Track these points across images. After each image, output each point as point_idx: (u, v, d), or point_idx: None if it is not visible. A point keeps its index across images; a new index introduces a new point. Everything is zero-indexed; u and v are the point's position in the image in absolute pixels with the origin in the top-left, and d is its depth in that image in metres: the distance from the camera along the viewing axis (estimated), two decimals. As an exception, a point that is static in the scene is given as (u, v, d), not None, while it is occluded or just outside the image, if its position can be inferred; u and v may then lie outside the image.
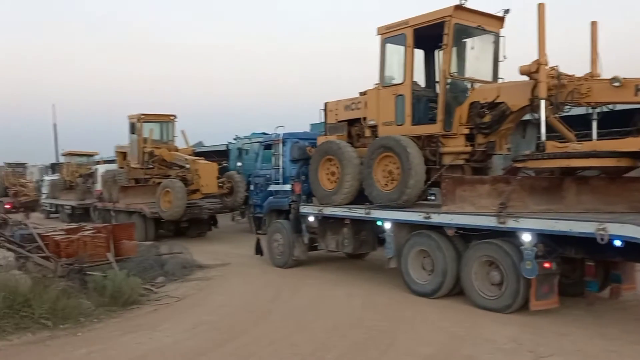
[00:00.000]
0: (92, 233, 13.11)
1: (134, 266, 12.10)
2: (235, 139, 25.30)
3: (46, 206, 38.00)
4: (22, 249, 12.08)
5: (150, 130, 22.60)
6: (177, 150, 22.43)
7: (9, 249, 11.85)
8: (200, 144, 41.60)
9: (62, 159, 38.46)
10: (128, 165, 23.47)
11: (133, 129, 22.98)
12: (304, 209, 13.06)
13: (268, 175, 16.01)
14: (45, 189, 39.30)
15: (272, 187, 15.42)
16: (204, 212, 20.48)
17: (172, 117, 23.34)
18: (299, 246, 13.64)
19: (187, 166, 20.24)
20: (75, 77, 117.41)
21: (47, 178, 40.68)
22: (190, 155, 21.61)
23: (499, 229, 8.81)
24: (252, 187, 17.04)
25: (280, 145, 15.12)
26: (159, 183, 20.27)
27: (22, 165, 50.02)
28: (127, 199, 21.60)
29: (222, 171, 21.85)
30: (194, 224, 21.23)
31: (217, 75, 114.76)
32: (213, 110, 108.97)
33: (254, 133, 24.33)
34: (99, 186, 26.72)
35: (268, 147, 16.23)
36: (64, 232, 13.29)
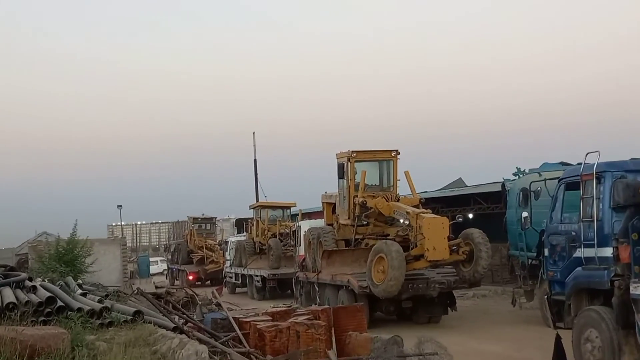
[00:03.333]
0: (307, 319, 12.18)
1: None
2: (516, 174, 21.92)
3: (230, 276, 36.50)
4: (216, 340, 11.38)
5: (363, 173, 20.92)
6: (398, 199, 20.70)
7: (200, 341, 10.91)
8: (459, 182, 37.99)
9: (250, 213, 37.12)
10: (337, 221, 22.04)
11: (342, 171, 21.22)
12: (637, 290, 10.81)
13: (573, 233, 12.88)
14: (228, 254, 38.04)
15: (581, 252, 12.55)
16: (431, 288, 18.79)
17: (392, 154, 21.41)
18: (630, 352, 11.13)
19: (406, 222, 18.83)
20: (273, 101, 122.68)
21: (232, 239, 39.32)
22: (415, 205, 19.96)
23: None
24: (546, 252, 14.13)
25: (594, 182, 12.20)
26: (373, 246, 19.04)
27: (210, 220, 47.83)
28: (332, 267, 20.44)
29: (458, 228, 20.03)
30: (422, 305, 19.58)
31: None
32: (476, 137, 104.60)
33: (545, 164, 20.70)
34: (302, 250, 25.25)
35: (572, 186, 13.20)
36: (269, 318, 12.59)
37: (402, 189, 22.11)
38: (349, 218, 21.26)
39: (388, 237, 19.75)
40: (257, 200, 42.20)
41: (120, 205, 60.46)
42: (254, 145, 46.23)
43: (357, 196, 20.75)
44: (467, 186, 36.23)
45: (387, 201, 20.37)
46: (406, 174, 21.26)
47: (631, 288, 10.93)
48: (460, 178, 41.16)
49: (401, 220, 19.32)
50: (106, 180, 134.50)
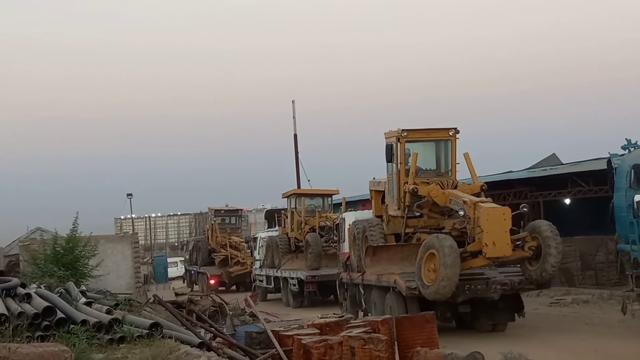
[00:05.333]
0: (364, 333, 12.30)
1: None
2: (625, 148, 21.60)
3: (260, 280, 36.87)
4: (251, 358, 12.06)
5: (413, 156, 21.26)
6: (456, 186, 21.16)
7: (233, 359, 11.62)
8: (552, 159, 37.88)
9: (283, 203, 37.15)
10: (386, 212, 22.56)
11: (390, 154, 21.82)
12: None
13: None
14: (258, 253, 38.39)
15: None
16: (492, 289, 19.28)
17: (450, 133, 21.87)
18: None
19: (462, 212, 19.38)
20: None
21: (262, 235, 39.49)
22: (476, 194, 20.54)
23: None
24: None
25: None
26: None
27: (236, 213, 48.04)
28: (378, 266, 21.03)
29: (519, 220, 20.17)
30: (483, 310, 20.15)
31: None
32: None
33: None
34: (346, 247, 25.49)
35: None
36: (316, 331, 12.77)
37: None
38: (398, 209, 21.66)
39: (443, 231, 20.08)
40: (299, 185, 42.10)
41: (131, 194, 61.33)
42: (294, 117, 45.76)
43: (407, 183, 21.09)
44: (563, 164, 35.56)
45: (442, 188, 20.73)
46: (465, 156, 21.69)
47: None
48: (554, 154, 40.39)
49: (459, 211, 19.66)
50: (113, 164, 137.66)
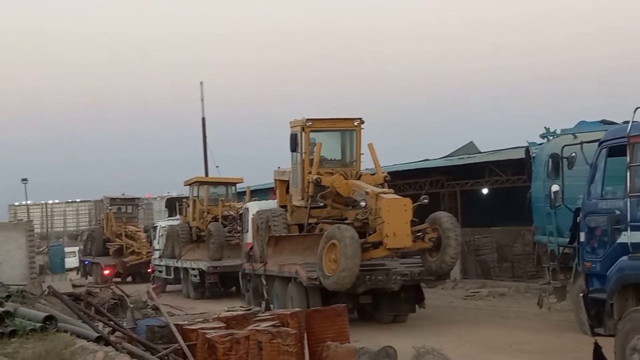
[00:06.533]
0: (272, 326, 12.50)
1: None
2: (544, 137, 22.08)
3: (160, 270, 37.07)
4: (152, 353, 11.75)
5: (317, 146, 22.06)
6: (359, 177, 21.88)
7: (132, 354, 11.29)
8: (469, 148, 38.91)
9: (185, 191, 37.93)
10: (290, 202, 23.25)
11: (294, 143, 22.48)
12: None
13: (618, 212, 12.97)
14: (157, 243, 38.61)
15: (627, 237, 12.60)
16: (392, 280, 20.05)
17: (355, 123, 22.59)
18: None
19: (363, 203, 20.08)
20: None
21: (162, 224, 39.52)
22: (380, 184, 21.38)
23: None
24: (582, 236, 14.16)
25: None
26: None
27: (132, 202, 48.62)
28: (280, 256, 21.66)
29: (422, 211, 21.05)
30: (385, 301, 20.91)
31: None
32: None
33: (582, 123, 21.19)
34: (249, 237, 25.99)
35: (617, 151, 13.26)
36: (222, 325, 12.84)
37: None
38: (302, 199, 22.42)
39: (346, 222, 20.83)
40: (207, 172, 42.87)
41: (26, 179, 60.24)
42: (202, 100, 46.34)
43: (311, 173, 21.83)
44: (480, 152, 36.08)
45: (346, 179, 21.54)
46: (370, 146, 22.50)
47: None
48: (471, 142, 40.95)
49: (361, 202, 20.34)
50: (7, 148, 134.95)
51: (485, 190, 32.69)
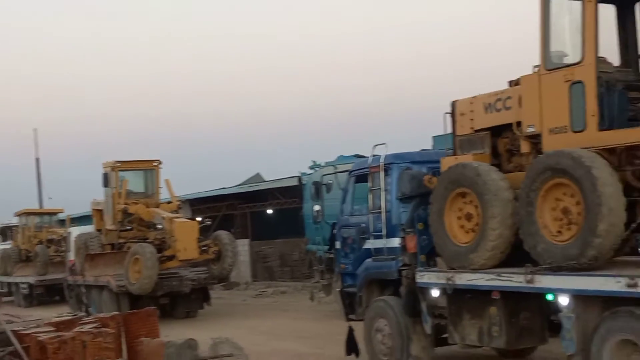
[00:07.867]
0: (94, 328, 11.98)
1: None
2: (312, 168, 23.20)
3: None
4: None
5: (124, 182, 24.07)
6: (158, 205, 24.12)
7: None
8: (257, 178, 39.37)
9: (15, 220, 38.74)
10: (104, 226, 25.16)
11: (106, 180, 24.27)
12: (422, 278, 11.47)
13: (363, 224, 13.38)
14: None
15: (370, 244, 12.99)
16: (184, 284, 21.93)
17: (155, 164, 24.74)
18: (418, 339, 11.85)
19: (160, 226, 22.34)
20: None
21: (-4, 248, 40.32)
22: (174, 211, 23.36)
23: None
24: (337, 244, 14.55)
25: (381, 174, 12.67)
26: None
27: None
28: (96, 269, 23.17)
29: (205, 230, 23.65)
30: (179, 301, 22.87)
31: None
32: (275, 129, 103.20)
33: (341, 157, 22.20)
34: (72, 255, 27.42)
35: (362, 178, 13.63)
36: (52, 328, 12.27)
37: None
38: (113, 224, 24.28)
39: (147, 241, 22.73)
40: (41, 205, 45.01)
41: None
42: (35, 144, 48.01)
43: (120, 203, 23.86)
44: (265, 181, 38.51)
45: (147, 207, 23.67)
46: (166, 182, 24.58)
47: (417, 277, 11.60)
48: (258, 173, 42.98)
49: (158, 225, 22.54)
50: None
51: (270, 211, 34.19)
